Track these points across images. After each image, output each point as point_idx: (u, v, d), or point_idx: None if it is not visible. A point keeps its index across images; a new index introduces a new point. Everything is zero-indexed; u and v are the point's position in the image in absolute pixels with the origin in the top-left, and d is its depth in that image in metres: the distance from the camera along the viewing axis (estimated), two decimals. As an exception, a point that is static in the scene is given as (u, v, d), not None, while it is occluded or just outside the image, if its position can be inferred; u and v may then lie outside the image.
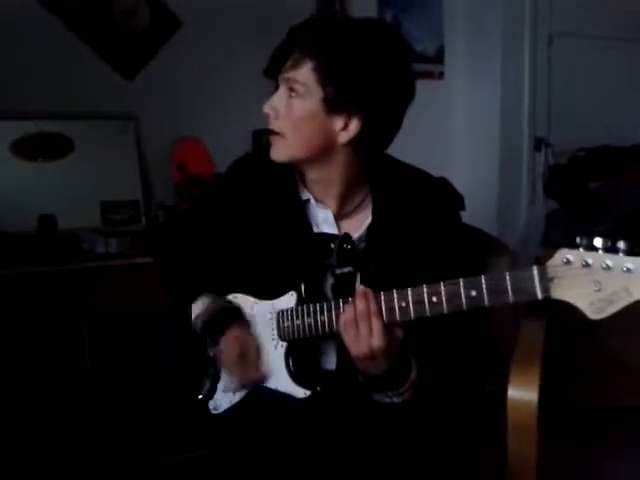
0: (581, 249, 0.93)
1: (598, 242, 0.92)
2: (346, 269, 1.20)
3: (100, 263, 2.15)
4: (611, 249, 0.91)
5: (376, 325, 1.06)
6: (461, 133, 3.23)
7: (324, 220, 1.24)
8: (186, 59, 2.63)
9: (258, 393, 1.23)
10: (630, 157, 3.05)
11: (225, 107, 2.67)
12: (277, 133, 1.17)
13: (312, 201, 1.24)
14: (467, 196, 1.34)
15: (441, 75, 3.20)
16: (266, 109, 1.16)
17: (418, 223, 1.21)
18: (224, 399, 1.26)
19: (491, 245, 1.52)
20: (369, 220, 1.23)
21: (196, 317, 1.28)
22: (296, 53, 1.12)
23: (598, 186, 2.86)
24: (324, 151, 1.17)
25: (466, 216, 1.44)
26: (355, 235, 1.23)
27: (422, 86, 3.58)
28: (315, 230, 1.25)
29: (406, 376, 1.12)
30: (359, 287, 1.11)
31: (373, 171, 1.24)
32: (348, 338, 1.09)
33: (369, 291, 1.08)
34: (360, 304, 1.07)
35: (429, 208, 1.22)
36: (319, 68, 1.10)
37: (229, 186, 1.33)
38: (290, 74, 1.13)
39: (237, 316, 1.26)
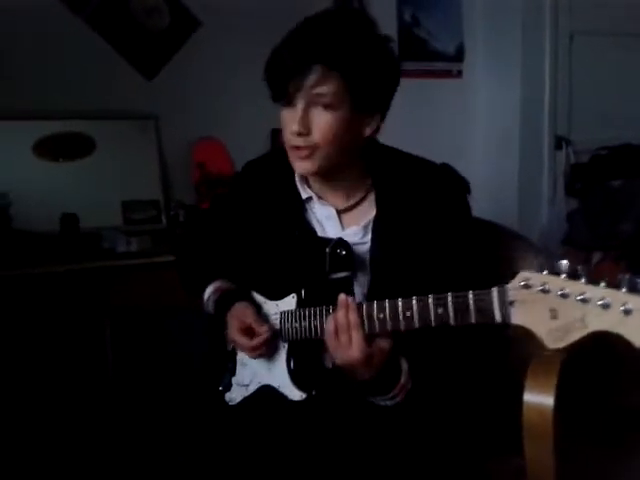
0: (545, 272, 0.88)
1: (563, 266, 0.86)
2: (341, 274, 1.20)
3: (121, 262, 2.16)
4: (574, 275, 0.86)
5: (355, 337, 1.07)
6: (481, 131, 3.20)
7: (327, 217, 1.26)
8: (205, 59, 2.63)
9: (265, 390, 1.25)
10: (652, 155, 3.02)
11: (244, 106, 2.68)
12: (307, 148, 1.16)
13: (315, 198, 1.26)
14: (487, 195, 1.34)
15: (459, 73, 3.18)
16: (297, 128, 1.13)
17: (423, 210, 1.21)
18: (238, 392, 1.29)
19: (515, 242, 1.48)
20: (373, 212, 1.24)
21: (207, 298, 1.32)
22: (319, 67, 1.10)
23: (620, 185, 2.83)
24: (354, 152, 1.20)
25: (486, 214, 1.44)
26: (359, 225, 1.24)
27: (441, 84, 3.58)
28: (318, 228, 1.26)
29: (394, 382, 1.12)
30: (340, 296, 1.10)
31: (374, 163, 1.25)
32: (331, 347, 1.11)
33: (350, 301, 1.09)
34: (340, 316, 1.08)
35: (433, 194, 1.22)
36: (346, 77, 1.11)
37: (239, 189, 1.36)
38: (319, 89, 1.12)
39: (244, 297, 1.29)
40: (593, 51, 3.13)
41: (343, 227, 1.25)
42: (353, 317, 1.07)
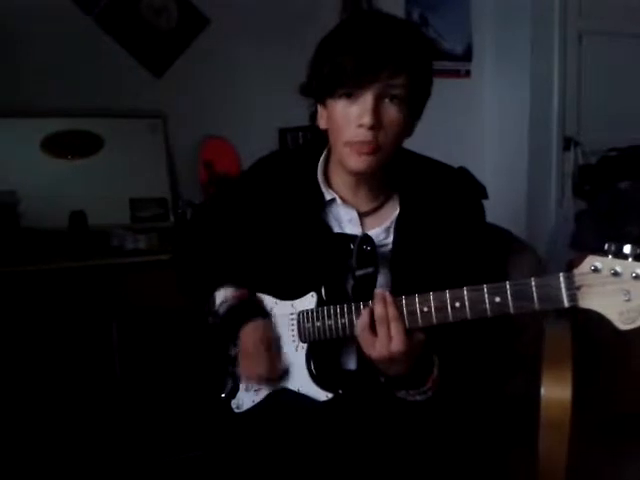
0: (610, 256, 0.90)
1: (627, 249, 0.89)
2: (366, 270, 1.18)
3: (129, 259, 2.18)
4: None
5: (396, 329, 1.05)
6: (489, 132, 3.20)
7: (349, 220, 1.24)
8: (214, 57, 2.64)
9: (281, 393, 1.22)
10: (661, 157, 3.00)
11: (252, 105, 2.69)
12: (374, 144, 1.13)
13: (338, 201, 1.24)
14: (495, 196, 1.34)
15: (468, 73, 3.18)
16: (369, 120, 1.11)
17: (443, 213, 1.22)
18: (247, 398, 1.26)
19: (514, 245, 1.50)
20: (396, 213, 1.24)
21: (220, 304, 1.27)
22: (391, 67, 1.11)
23: (628, 186, 2.82)
24: (392, 155, 1.19)
25: (494, 216, 1.43)
26: (382, 227, 1.24)
27: (448, 84, 3.57)
28: (336, 230, 1.24)
29: (427, 375, 1.11)
30: (377, 290, 1.10)
31: (398, 166, 1.25)
32: (364, 342, 1.08)
33: (387, 294, 1.07)
34: (378, 308, 1.06)
35: (452, 198, 1.24)
36: (411, 79, 1.13)
37: (250, 185, 1.32)
38: (393, 81, 1.11)
39: (258, 310, 1.26)
40: (602, 52, 3.12)
41: (363, 230, 1.24)
42: (392, 309, 1.05)
